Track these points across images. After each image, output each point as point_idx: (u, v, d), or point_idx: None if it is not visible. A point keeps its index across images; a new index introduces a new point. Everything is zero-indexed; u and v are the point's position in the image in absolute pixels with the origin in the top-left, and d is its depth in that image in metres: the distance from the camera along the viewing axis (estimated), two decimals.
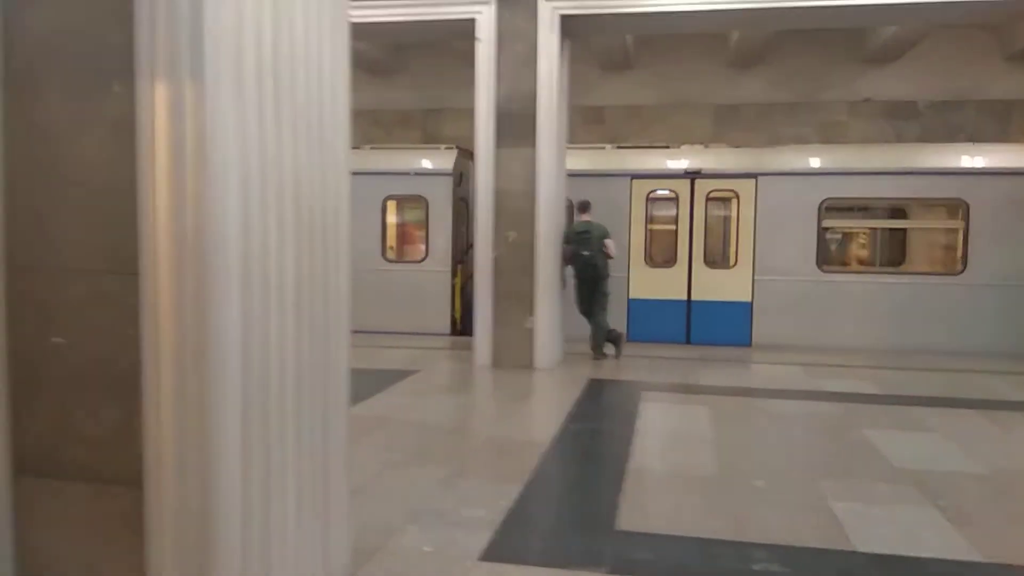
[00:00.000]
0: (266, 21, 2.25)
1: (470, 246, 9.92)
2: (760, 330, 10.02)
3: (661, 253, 10.57)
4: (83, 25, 2.10)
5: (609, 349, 8.88)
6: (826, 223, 10.09)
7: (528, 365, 8.07)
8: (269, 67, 2.29)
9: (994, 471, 4.66)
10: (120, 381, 2.08)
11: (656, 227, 10.68)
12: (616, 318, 9.24)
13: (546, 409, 6.59)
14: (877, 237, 12.01)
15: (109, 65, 2.07)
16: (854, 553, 3.40)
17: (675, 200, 10.37)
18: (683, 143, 11.27)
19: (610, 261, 8.63)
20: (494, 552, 3.32)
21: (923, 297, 9.70)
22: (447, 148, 11.34)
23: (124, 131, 2.05)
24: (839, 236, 11.77)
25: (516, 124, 7.97)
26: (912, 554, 3.40)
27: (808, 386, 7.39)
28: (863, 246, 12.26)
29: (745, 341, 10.03)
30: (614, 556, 3.32)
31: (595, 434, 5.64)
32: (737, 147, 10.92)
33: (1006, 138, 11.89)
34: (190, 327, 2.03)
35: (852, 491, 4.23)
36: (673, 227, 10.44)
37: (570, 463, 4.96)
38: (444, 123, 13.98)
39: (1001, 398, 6.95)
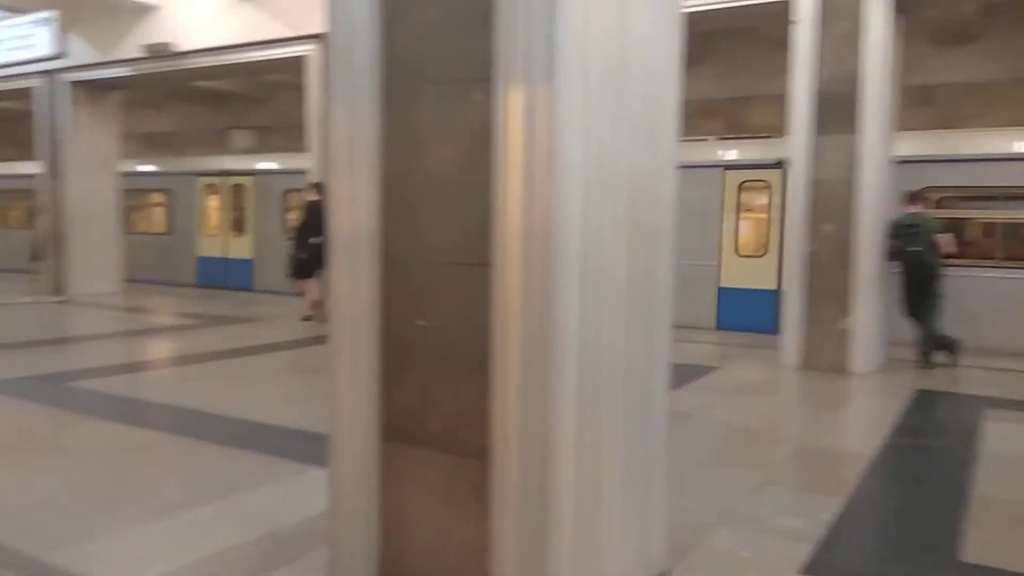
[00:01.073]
0: (610, 22, 2.32)
1: None
2: None
3: None
4: (448, 38, 2.32)
5: (941, 357, 7.88)
6: None
7: (842, 369, 7.45)
8: (611, 68, 2.36)
9: None
10: (474, 362, 2.28)
11: None
12: None
13: (866, 419, 6.04)
14: None
15: (471, 74, 2.26)
16: None
17: None
18: None
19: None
20: (816, 567, 3.12)
21: None
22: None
23: (483, 134, 2.23)
24: None
25: (836, 108, 7.38)
26: None
27: None
28: None
29: None
30: None
31: (928, 452, 5.05)
32: None
33: None
34: (535, 315, 2.16)
35: None
36: None
37: (899, 481, 4.49)
38: (749, 112, 13.43)
39: None
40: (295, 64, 11.08)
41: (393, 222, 2.42)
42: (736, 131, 13.43)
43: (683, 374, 7.15)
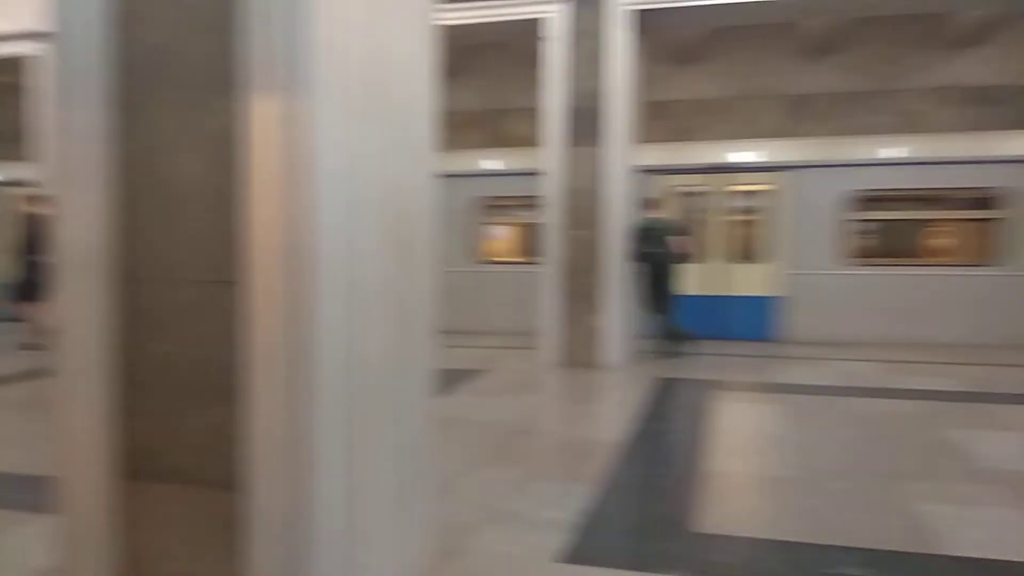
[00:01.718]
0: (362, 28, 2.32)
1: None
2: None
3: None
4: (184, 42, 2.19)
5: (678, 347, 8.80)
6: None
7: (596, 363, 8.06)
8: (371, 85, 2.37)
9: None
10: (222, 388, 2.17)
11: None
12: None
13: (617, 408, 6.56)
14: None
15: (214, 80, 2.15)
16: (939, 556, 3.30)
17: None
18: (754, 136, 11.14)
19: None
20: (570, 554, 3.34)
21: None
22: None
23: (227, 145, 2.14)
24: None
25: (584, 122, 7.97)
26: (1001, 557, 3.29)
27: (885, 384, 7.18)
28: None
29: None
30: (692, 559, 3.30)
31: (667, 434, 5.61)
32: None
33: None
34: (292, 335, 2.09)
35: (936, 492, 4.10)
36: None
37: (643, 463, 4.93)
38: (510, 123, 14.04)
39: None
40: (14, 65, 9.83)
41: (127, 237, 2.24)
42: (499, 143, 13.99)
43: (453, 379, 7.34)
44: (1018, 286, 9.52)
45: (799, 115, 12.74)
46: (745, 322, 10.27)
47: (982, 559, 3.29)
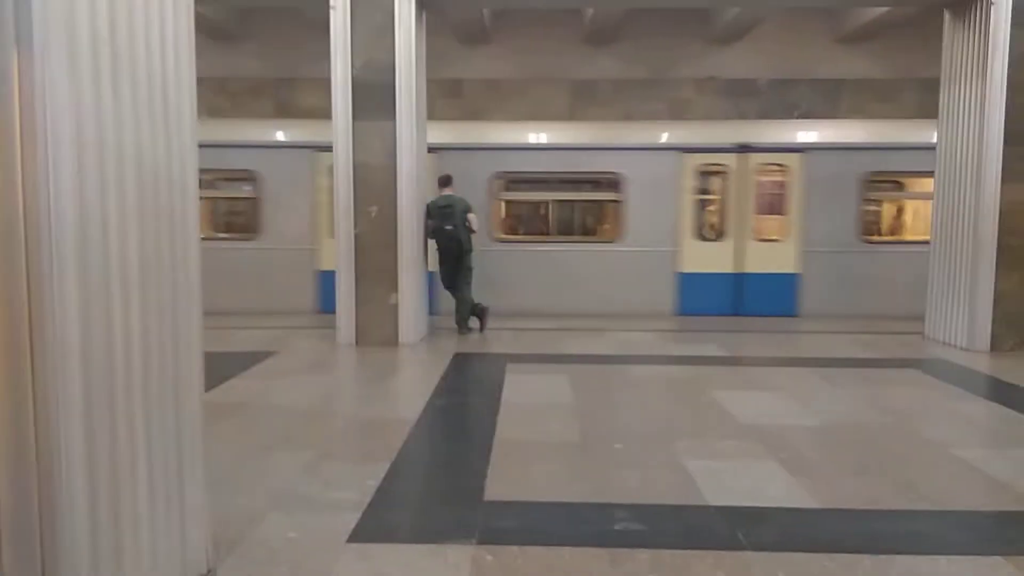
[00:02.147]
0: None
1: None
2: None
3: None
4: None
5: (474, 323, 8.95)
6: None
7: (393, 342, 8.00)
8: (105, 35, 2.11)
9: (826, 424, 5.11)
10: None
11: None
12: None
13: (412, 385, 6.56)
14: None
15: None
16: (706, 507, 3.63)
17: None
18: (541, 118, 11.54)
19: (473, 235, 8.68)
20: (362, 533, 3.29)
21: None
22: None
23: None
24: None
25: (374, 96, 7.79)
26: (757, 504, 3.67)
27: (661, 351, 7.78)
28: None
29: None
30: (482, 527, 3.37)
31: (461, 407, 5.69)
32: None
33: (836, 115, 12.94)
34: (20, 320, 1.85)
35: (703, 449, 4.51)
36: None
37: (437, 438, 4.97)
38: (299, 93, 13.46)
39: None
40: None
41: None
42: (286, 113, 13.37)
43: (239, 362, 6.95)
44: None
45: (583, 100, 13.38)
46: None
47: (740, 507, 3.66)
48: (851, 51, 13.26)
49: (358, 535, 3.27)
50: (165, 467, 2.47)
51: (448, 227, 8.52)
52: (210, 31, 12.85)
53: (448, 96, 13.26)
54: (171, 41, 2.49)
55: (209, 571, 2.82)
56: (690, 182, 10.61)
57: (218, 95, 13.42)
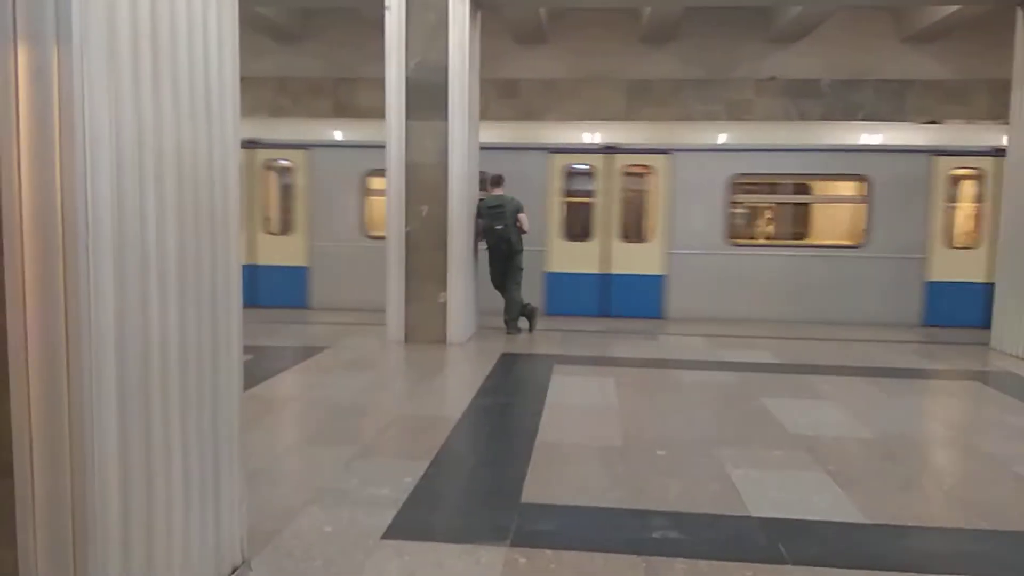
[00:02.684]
0: None
1: None
2: None
3: None
4: None
5: (523, 323, 8.93)
6: None
7: (441, 340, 8.04)
8: (150, 40, 2.16)
9: (880, 436, 4.93)
10: None
11: None
12: None
13: (458, 384, 6.58)
14: None
15: None
16: (748, 518, 3.53)
17: None
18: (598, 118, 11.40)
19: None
20: (397, 530, 3.30)
21: None
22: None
23: None
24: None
25: (427, 96, 7.84)
26: (802, 517, 3.56)
27: (710, 357, 7.63)
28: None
29: None
30: (518, 529, 3.34)
31: (505, 408, 5.67)
32: None
33: (901, 116, 12.51)
34: (58, 313, 1.91)
35: (748, 457, 4.39)
36: None
37: (479, 438, 4.97)
38: (358, 93, 13.65)
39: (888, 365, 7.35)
40: None
41: None
42: (345, 112, 13.58)
43: (291, 356, 7.09)
44: None
45: (640, 99, 13.23)
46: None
47: (783, 519, 3.55)
48: (918, 51, 12.81)
49: (393, 532, 3.28)
50: (201, 460, 2.52)
51: (498, 227, 8.52)
52: (272, 32, 13.14)
53: (504, 96, 13.29)
54: (214, 39, 2.53)
55: (244, 562, 2.87)
56: (557, 183, 10.43)
57: (279, 95, 13.72)
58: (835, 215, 11.42)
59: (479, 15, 8.35)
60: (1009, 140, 8.26)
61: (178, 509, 2.37)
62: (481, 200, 8.68)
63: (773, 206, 12.36)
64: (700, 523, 3.48)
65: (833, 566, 3.04)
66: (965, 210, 10.40)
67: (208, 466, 2.57)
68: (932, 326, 9.97)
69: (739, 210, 11.28)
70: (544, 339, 8.51)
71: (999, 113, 8.83)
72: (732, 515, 3.57)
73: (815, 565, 3.05)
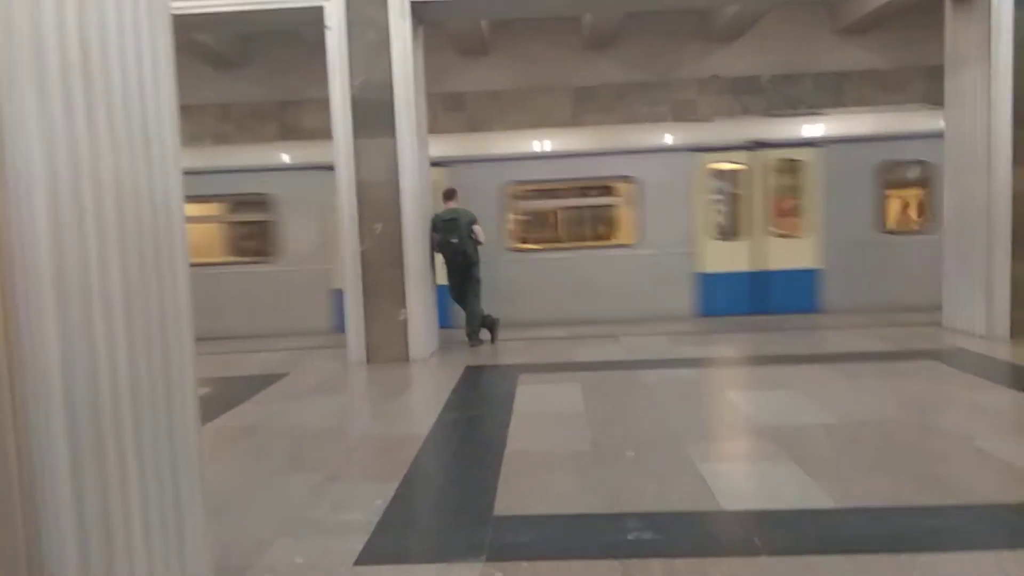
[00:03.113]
0: (71, 18, 2.06)
1: None
2: None
3: None
4: None
5: (484, 335, 8.90)
6: None
7: (404, 358, 7.96)
8: (76, 63, 2.09)
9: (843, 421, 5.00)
10: None
11: None
12: None
13: (423, 401, 6.51)
14: None
15: None
16: (720, 512, 3.54)
17: None
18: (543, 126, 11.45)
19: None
20: (369, 555, 3.24)
21: None
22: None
23: None
24: None
25: (374, 114, 7.79)
26: (772, 507, 3.58)
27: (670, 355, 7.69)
28: None
29: None
30: (492, 543, 3.30)
31: (473, 421, 5.62)
32: None
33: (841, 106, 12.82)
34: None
35: (716, 452, 4.42)
36: None
37: (448, 454, 4.91)
38: (303, 115, 13.54)
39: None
40: None
41: None
42: (290, 134, 13.44)
43: (249, 386, 6.94)
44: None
45: (585, 106, 13.35)
46: None
47: (755, 511, 3.57)
48: (853, 43, 13.17)
49: (365, 557, 3.22)
50: (161, 497, 2.43)
51: (454, 240, 8.49)
52: (212, 59, 12.97)
53: (451, 109, 13.29)
54: (149, 67, 2.47)
55: None
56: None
57: (223, 121, 13.53)
58: (615, 216, 11.53)
59: (421, 30, 8.33)
60: (945, 123, 8.51)
61: (139, 549, 2.28)
62: (436, 215, 8.65)
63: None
64: (674, 521, 3.48)
65: (808, 553, 3.06)
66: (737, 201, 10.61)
67: (168, 503, 2.49)
68: (707, 316, 10.36)
69: (521, 216, 11.31)
70: (507, 349, 8.49)
71: (936, 99, 9.09)
72: (705, 511, 3.58)
73: (790, 554, 3.06)
